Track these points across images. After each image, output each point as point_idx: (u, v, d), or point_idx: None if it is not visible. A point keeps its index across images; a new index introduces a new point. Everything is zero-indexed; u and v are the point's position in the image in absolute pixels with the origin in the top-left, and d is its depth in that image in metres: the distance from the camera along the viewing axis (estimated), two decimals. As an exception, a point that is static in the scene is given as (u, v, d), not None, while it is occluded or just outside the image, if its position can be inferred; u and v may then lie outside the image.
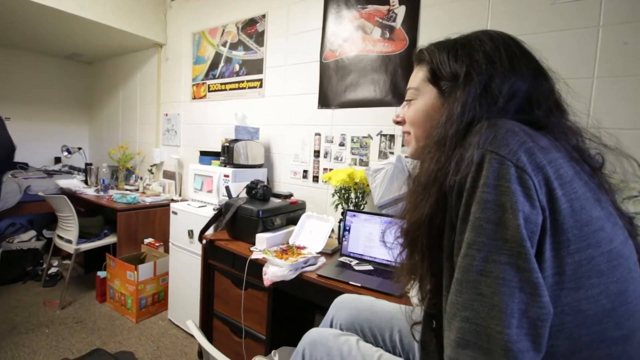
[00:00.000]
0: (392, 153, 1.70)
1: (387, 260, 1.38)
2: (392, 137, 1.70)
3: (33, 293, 2.49)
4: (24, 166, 3.24)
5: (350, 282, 1.19)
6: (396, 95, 1.68)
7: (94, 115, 3.99)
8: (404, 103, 0.68)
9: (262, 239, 1.49)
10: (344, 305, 0.96)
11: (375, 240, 1.43)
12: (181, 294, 2.08)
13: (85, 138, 4.05)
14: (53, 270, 2.69)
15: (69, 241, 2.33)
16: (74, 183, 2.94)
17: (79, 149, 3.34)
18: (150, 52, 3.09)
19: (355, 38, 1.81)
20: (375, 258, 1.42)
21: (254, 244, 1.53)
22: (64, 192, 2.75)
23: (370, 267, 1.35)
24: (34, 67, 3.55)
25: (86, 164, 3.19)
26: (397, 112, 0.70)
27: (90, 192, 2.74)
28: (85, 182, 3.08)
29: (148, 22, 2.82)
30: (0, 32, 2.87)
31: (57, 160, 3.66)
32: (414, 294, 0.88)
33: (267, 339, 1.45)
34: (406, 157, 1.51)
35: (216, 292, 1.70)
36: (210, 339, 1.73)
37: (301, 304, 1.49)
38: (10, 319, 2.12)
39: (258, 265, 1.39)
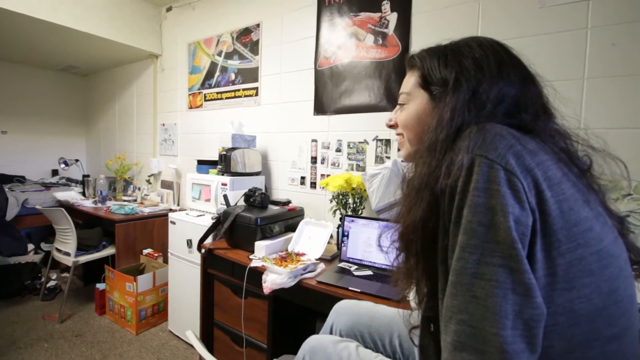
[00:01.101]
0: (388, 158, 1.71)
1: (386, 265, 1.38)
2: (388, 142, 1.72)
3: (32, 307, 2.47)
4: (21, 179, 3.23)
5: (350, 288, 1.19)
6: (390, 100, 1.70)
7: (90, 126, 4.00)
8: (397, 107, 0.70)
9: (261, 247, 1.49)
10: (343, 311, 0.96)
11: (374, 245, 1.44)
12: (181, 304, 2.07)
13: (82, 150, 4.05)
14: (51, 283, 2.67)
15: (67, 254, 2.32)
16: (72, 195, 2.94)
17: (76, 160, 3.34)
18: (146, 63, 3.11)
19: (348, 45, 1.84)
20: (374, 263, 1.42)
21: (253, 251, 1.53)
22: (62, 204, 2.74)
23: (369, 272, 1.36)
24: (30, 80, 3.57)
25: (83, 176, 3.19)
26: (390, 116, 0.72)
27: (88, 203, 2.73)
28: (83, 193, 3.08)
29: (143, 33, 2.84)
30: (-4, 46, 2.88)
31: (55, 172, 3.66)
32: (412, 297, 0.88)
33: (268, 348, 1.44)
34: (402, 161, 1.53)
35: (216, 301, 1.69)
36: (210, 349, 1.72)
37: (302, 311, 1.48)
38: (9, 334, 2.10)
39: (257, 273, 1.39)
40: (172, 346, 2.04)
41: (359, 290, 1.17)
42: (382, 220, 1.47)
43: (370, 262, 1.43)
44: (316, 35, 1.96)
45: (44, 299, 2.56)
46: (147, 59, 3.06)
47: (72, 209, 2.62)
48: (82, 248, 2.35)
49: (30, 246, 2.96)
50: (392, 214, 0.62)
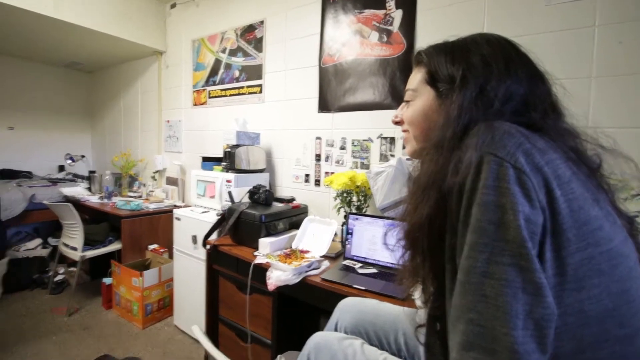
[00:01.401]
0: (392, 155, 1.70)
1: (391, 263, 1.38)
2: (392, 140, 1.71)
3: (40, 301, 2.51)
4: (28, 175, 3.27)
5: (354, 286, 1.19)
6: (395, 98, 1.69)
7: (96, 123, 4.03)
8: (403, 104, 0.69)
9: (265, 244, 1.50)
10: (348, 308, 0.96)
11: (379, 243, 1.44)
12: (186, 300, 2.09)
13: (88, 146, 4.08)
14: (59, 277, 2.71)
15: (74, 248, 2.35)
16: (78, 191, 2.96)
17: (82, 156, 3.36)
18: (151, 59, 3.12)
19: (353, 42, 1.83)
20: (378, 261, 1.42)
21: (257, 248, 1.54)
22: (69, 199, 2.77)
23: (374, 270, 1.36)
24: (36, 76, 3.59)
25: (90, 172, 3.21)
26: (395, 113, 0.71)
27: (94, 199, 2.76)
28: (89, 189, 3.11)
29: (148, 29, 2.84)
30: (0, 41, 2.89)
31: (61, 168, 3.69)
32: (417, 296, 0.88)
33: (272, 344, 1.46)
34: (407, 159, 1.52)
35: (221, 297, 1.70)
36: (216, 344, 1.73)
37: (306, 308, 1.49)
38: (18, 327, 2.14)
39: (262, 270, 1.40)
40: (177, 341, 2.06)
41: (363, 288, 1.17)
42: (387, 218, 1.47)
43: (374, 260, 1.43)
44: (320, 32, 1.95)
45: (52, 292, 2.60)
46: (152, 55, 3.07)
47: (78, 205, 2.64)
48: (88, 243, 2.38)
49: (38, 240, 3.00)
50: (397, 212, 0.62)
